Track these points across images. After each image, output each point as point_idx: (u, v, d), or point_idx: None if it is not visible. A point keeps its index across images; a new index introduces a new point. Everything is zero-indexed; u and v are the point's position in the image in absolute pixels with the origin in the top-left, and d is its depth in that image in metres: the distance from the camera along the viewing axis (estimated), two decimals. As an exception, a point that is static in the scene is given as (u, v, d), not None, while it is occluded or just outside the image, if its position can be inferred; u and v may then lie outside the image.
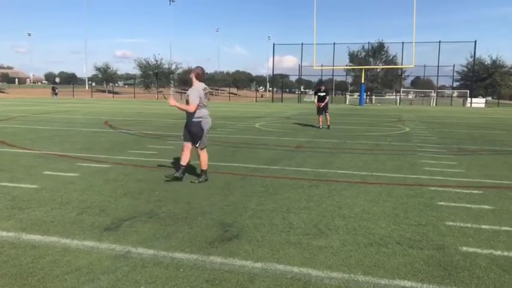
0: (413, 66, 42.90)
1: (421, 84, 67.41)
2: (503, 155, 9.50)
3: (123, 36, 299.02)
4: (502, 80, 52.50)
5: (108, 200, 5.06)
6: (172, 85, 66.04)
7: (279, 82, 66.39)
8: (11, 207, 4.72)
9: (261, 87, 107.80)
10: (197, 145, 6.09)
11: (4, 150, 8.85)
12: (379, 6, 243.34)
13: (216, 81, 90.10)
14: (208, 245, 3.71)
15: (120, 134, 12.37)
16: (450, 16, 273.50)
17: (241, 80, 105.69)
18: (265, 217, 4.53)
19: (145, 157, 8.27)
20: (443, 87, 59.60)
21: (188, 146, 6.14)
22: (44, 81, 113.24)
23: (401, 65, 48.31)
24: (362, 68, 45.69)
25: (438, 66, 47.27)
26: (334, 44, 48.06)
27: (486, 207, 5.02)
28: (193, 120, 6.05)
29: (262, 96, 72.63)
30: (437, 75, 49.02)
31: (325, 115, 15.52)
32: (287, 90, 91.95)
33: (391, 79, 54.62)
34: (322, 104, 15.44)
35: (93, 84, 74.82)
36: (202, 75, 6.07)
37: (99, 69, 72.85)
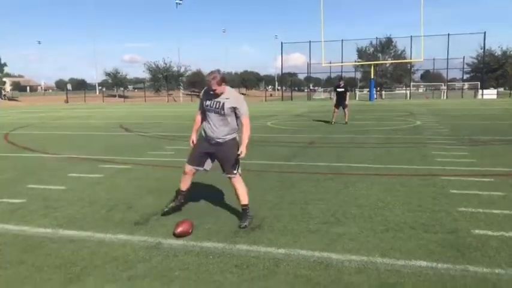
0: (422, 60, 42.86)
1: (431, 77, 67.07)
2: (514, 144, 9.58)
3: (131, 40, 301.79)
4: (513, 70, 52.11)
5: (133, 198, 5.33)
6: (181, 87, 66.65)
7: (288, 81, 66.45)
8: (44, 206, 5.02)
9: (270, 87, 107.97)
10: (234, 171, 4.19)
11: (28, 155, 9.21)
12: (387, 1, 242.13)
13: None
14: (233, 234, 3.95)
15: (137, 137, 12.70)
16: (459, 8, 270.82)
17: (249, 80, 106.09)
18: (285, 209, 4.76)
19: (164, 157, 8.56)
20: (453, 80, 59.17)
21: (193, 171, 4.42)
22: (55, 89, 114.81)
23: (410, 59, 48.17)
24: (371, 64, 45.65)
25: (448, 59, 47.11)
26: (342, 40, 48.05)
27: (497, 193, 5.18)
28: (227, 136, 4.14)
29: (271, 96, 72.92)
30: (447, 68, 48.78)
31: (344, 111, 15.61)
32: (296, 88, 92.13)
33: (401, 74, 54.39)
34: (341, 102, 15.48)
35: (104, 89, 75.74)
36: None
37: (109, 74, 73.77)
